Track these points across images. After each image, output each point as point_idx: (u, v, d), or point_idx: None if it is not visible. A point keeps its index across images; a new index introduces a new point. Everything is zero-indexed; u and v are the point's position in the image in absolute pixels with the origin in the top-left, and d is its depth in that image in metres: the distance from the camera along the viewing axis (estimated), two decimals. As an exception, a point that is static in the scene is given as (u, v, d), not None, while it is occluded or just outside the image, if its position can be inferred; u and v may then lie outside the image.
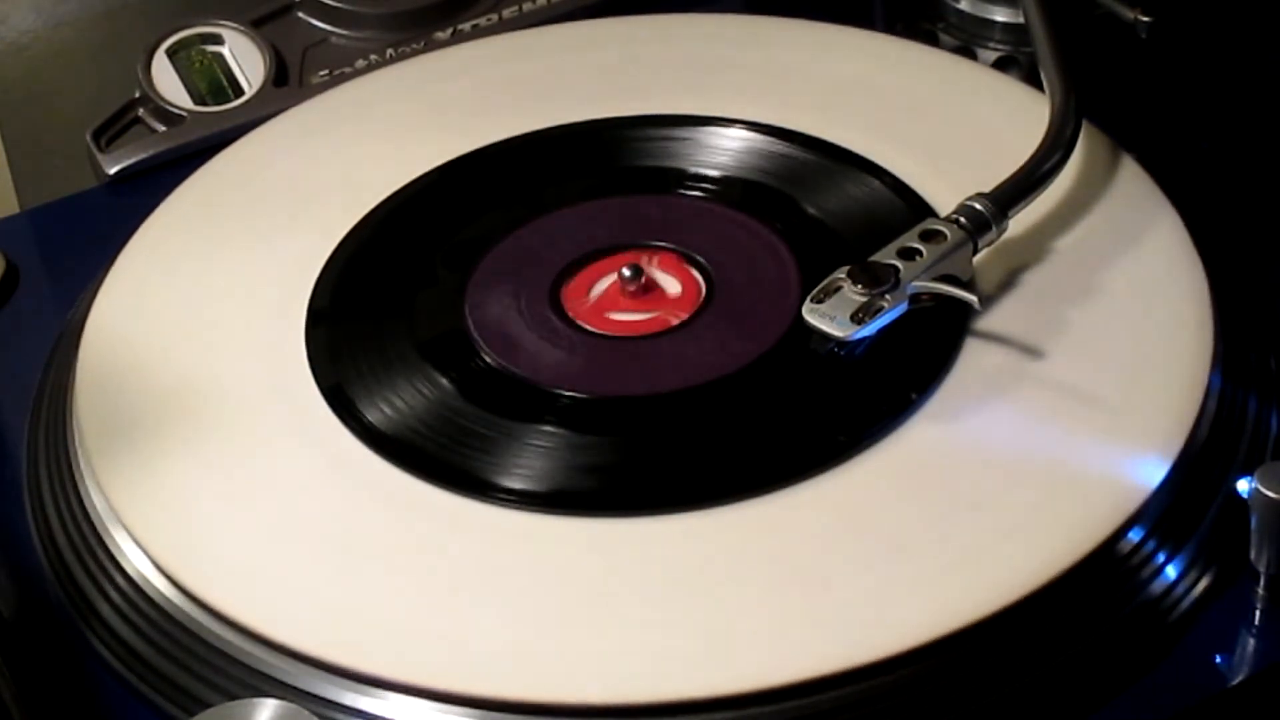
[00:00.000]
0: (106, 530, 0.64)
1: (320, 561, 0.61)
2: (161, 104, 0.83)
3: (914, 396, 0.64)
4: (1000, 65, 0.82)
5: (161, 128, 0.83)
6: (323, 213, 0.74)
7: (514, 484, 0.62)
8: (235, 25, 0.85)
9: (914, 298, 0.65)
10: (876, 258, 0.65)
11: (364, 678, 0.58)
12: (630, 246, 0.71)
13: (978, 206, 0.67)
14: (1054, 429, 0.62)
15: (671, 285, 0.70)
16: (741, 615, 0.58)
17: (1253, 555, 0.60)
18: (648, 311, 0.69)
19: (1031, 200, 0.69)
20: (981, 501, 0.61)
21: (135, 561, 0.63)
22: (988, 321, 0.66)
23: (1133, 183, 0.72)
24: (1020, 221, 0.69)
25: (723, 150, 0.75)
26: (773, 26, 0.81)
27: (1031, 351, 0.65)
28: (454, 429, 0.65)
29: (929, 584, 0.58)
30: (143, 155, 0.82)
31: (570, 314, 0.69)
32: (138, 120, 0.84)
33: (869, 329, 0.64)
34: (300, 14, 0.87)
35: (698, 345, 0.67)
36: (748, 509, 0.61)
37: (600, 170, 0.76)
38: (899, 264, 0.65)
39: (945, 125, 0.75)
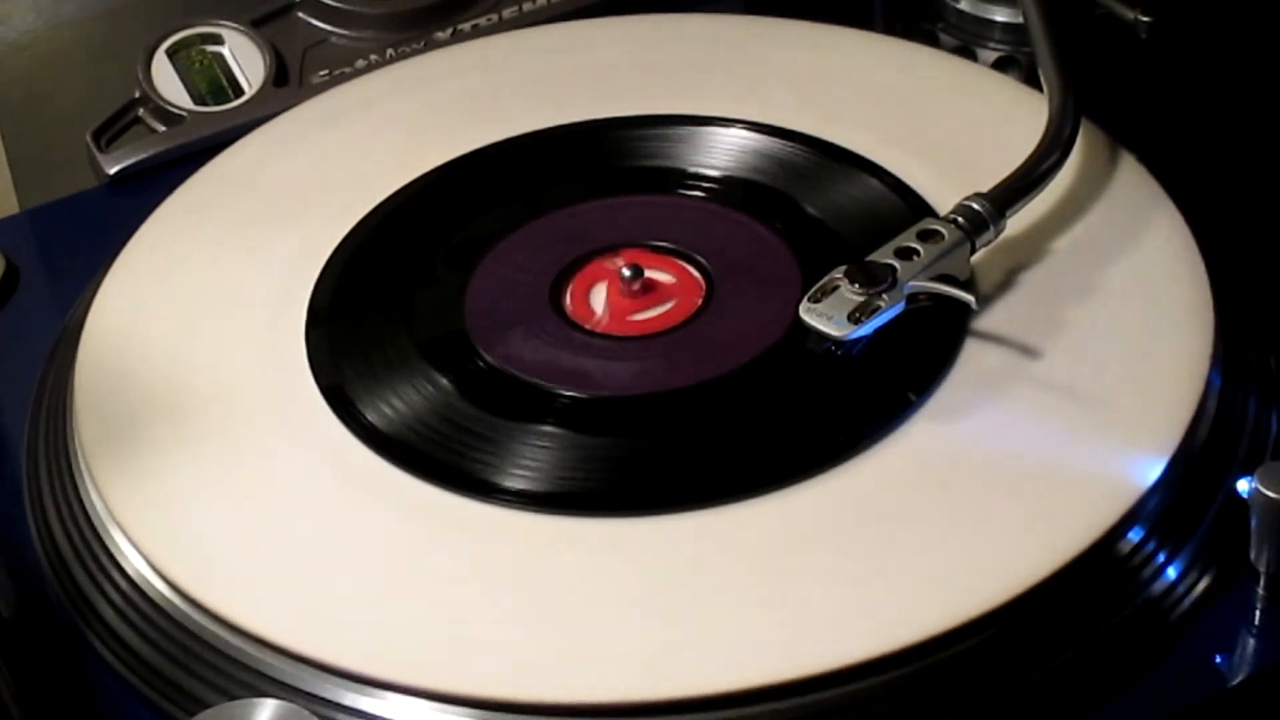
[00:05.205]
0: (106, 530, 0.64)
1: (320, 561, 0.61)
2: (161, 104, 0.83)
3: (913, 397, 0.64)
4: (1000, 65, 0.82)
5: (161, 128, 0.83)
6: (323, 213, 0.74)
7: (514, 484, 0.62)
8: (235, 25, 0.85)
9: (911, 297, 0.65)
10: (874, 257, 0.65)
11: (363, 678, 0.58)
12: (630, 246, 0.71)
13: (975, 206, 0.67)
14: (1053, 428, 0.62)
15: (671, 286, 0.70)
16: (740, 614, 0.58)
17: (1253, 555, 0.60)
18: (646, 312, 0.69)
19: (1030, 200, 0.69)
20: (980, 501, 0.61)
21: (135, 561, 0.63)
22: (987, 321, 0.66)
23: (1133, 182, 0.72)
24: (1020, 221, 0.69)
25: (723, 150, 0.75)
26: (773, 26, 0.81)
27: (1031, 351, 0.65)
28: (454, 429, 0.65)
29: (928, 583, 0.58)
30: (143, 155, 0.82)
31: (570, 314, 0.69)
32: (138, 120, 0.84)
33: (866, 329, 0.64)
34: (300, 14, 0.87)
35: (697, 345, 0.67)
36: (747, 509, 0.61)
37: (600, 170, 0.76)
38: (896, 264, 0.65)
39: (945, 125, 0.75)
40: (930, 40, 0.84)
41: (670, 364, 0.67)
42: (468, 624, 0.59)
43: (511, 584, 0.60)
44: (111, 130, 0.83)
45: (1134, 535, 0.60)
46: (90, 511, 0.65)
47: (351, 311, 0.70)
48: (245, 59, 0.85)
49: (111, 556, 0.63)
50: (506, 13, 0.87)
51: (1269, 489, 0.58)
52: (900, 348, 0.65)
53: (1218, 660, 0.59)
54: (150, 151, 0.82)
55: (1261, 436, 0.65)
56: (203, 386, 0.67)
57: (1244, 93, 0.81)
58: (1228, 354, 0.66)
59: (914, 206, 0.71)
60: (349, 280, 0.71)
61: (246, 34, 0.85)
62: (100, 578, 0.63)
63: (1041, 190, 0.69)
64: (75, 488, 0.66)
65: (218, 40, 0.85)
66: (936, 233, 0.66)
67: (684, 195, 0.74)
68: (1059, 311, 0.66)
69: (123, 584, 0.63)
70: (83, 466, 0.66)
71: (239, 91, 0.84)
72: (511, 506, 0.62)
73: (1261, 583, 0.60)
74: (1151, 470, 0.61)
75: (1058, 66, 0.72)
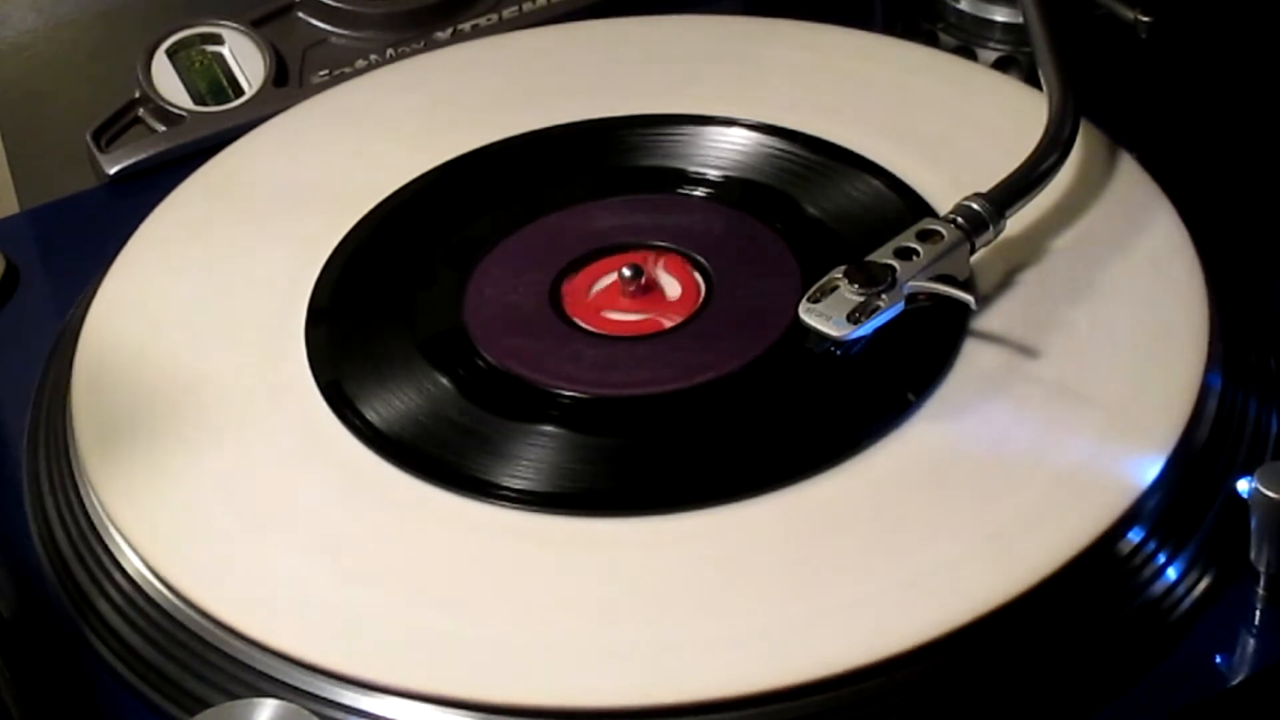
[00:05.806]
0: (106, 530, 0.64)
1: (320, 562, 0.61)
2: (161, 104, 0.83)
3: (912, 397, 0.64)
4: (1000, 65, 0.82)
5: (161, 128, 0.83)
6: (322, 212, 0.74)
7: (514, 484, 0.62)
8: (235, 25, 0.85)
9: (911, 297, 0.65)
10: (873, 257, 0.65)
11: (364, 679, 0.58)
12: (630, 246, 0.71)
13: (975, 206, 0.67)
14: (1052, 429, 0.62)
15: (671, 285, 0.70)
16: (740, 617, 0.58)
17: (1253, 555, 0.60)
18: (646, 312, 0.69)
19: (1029, 200, 0.69)
20: (980, 501, 0.61)
21: (135, 561, 0.63)
22: (986, 321, 0.66)
23: (1132, 182, 0.72)
24: (1020, 221, 0.69)
25: (723, 150, 0.75)
26: (773, 26, 0.81)
27: (1030, 351, 0.65)
28: (454, 429, 0.65)
29: (928, 584, 0.58)
30: (143, 155, 0.82)
31: (570, 314, 0.69)
32: (138, 120, 0.84)
33: (865, 329, 0.64)
34: (300, 14, 0.87)
35: (697, 345, 0.67)
36: (747, 509, 0.61)
37: (600, 170, 0.76)
38: (895, 264, 0.65)
39: (945, 125, 0.75)
40: (930, 40, 0.84)
41: (670, 364, 0.67)
42: (467, 624, 0.59)
43: (511, 584, 0.60)
44: (111, 130, 0.83)
45: (1134, 535, 0.60)
46: (90, 511, 0.65)
47: (351, 310, 0.70)
48: (245, 59, 0.85)
49: (111, 556, 0.63)
50: (506, 13, 0.87)
51: (1269, 489, 0.58)
52: (900, 348, 0.65)
53: (1218, 660, 0.59)
54: (150, 151, 0.82)
55: (1261, 436, 0.65)
56: (202, 386, 0.67)
57: (1244, 93, 0.81)
58: (1227, 354, 0.66)
59: (913, 206, 0.71)
60: (349, 279, 0.71)
61: (246, 34, 0.85)
62: (100, 577, 0.63)
63: (1041, 190, 0.69)
64: (75, 488, 0.66)
65: (218, 40, 0.85)
66: (936, 233, 0.66)
67: (684, 195, 0.74)
68: (1058, 311, 0.66)
69: (123, 584, 0.63)
70: (82, 466, 0.66)
71: (239, 91, 0.84)
72: (511, 506, 0.62)
73: (1261, 583, 0.60)
74: (1150, 470, 0.61)
75: (1057, 66, 0.72)
